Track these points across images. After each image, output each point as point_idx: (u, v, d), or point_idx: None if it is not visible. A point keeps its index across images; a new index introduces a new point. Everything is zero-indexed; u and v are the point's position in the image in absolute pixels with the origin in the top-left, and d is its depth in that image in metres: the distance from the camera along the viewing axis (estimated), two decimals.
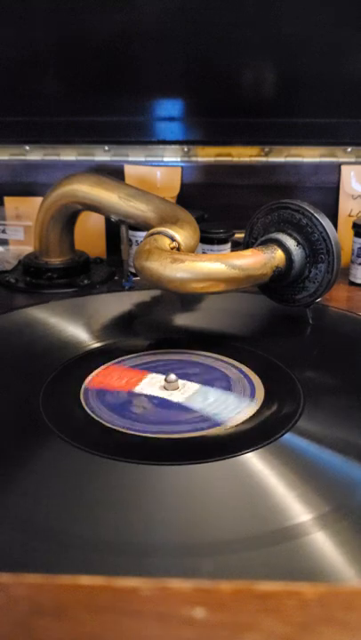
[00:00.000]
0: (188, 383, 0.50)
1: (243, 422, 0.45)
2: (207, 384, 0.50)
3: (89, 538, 0.34)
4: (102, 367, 0.53)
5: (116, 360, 0.54)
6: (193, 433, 0.44)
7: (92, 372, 0.52)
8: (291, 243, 0.59)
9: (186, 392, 0.49)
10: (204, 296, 0.66)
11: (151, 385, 0.50)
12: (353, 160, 0.88)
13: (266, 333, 0.62)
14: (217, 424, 0.45)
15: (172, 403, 0.48)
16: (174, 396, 0.49)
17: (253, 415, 0.46)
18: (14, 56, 0.86)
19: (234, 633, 0.21)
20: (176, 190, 0.88)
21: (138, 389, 0.50)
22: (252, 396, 0.49)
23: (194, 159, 0.89)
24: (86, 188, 0.72)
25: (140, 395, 0.49)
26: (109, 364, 0.54)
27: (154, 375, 0.51)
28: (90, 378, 0.51)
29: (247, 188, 0.88)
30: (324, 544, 0.34)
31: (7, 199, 0.87)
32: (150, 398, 0.48)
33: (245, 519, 0.36)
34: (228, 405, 0.48)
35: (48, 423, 0.45)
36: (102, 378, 0.51)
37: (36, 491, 0.38)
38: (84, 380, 0.51)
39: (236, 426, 0.45)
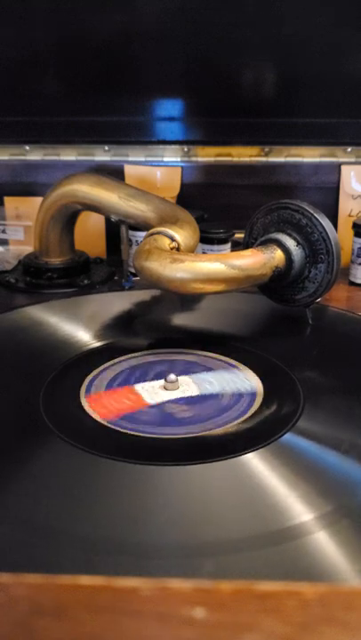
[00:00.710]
0: (185, 380, 0.50)
1: (243, 422, 0.45)
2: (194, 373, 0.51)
3: (89, 538, 0.34)
4: (89, 398, 0.49)
5: (90, 385, 0.51)
6: (193, 433, 0.44)
7: (91, 371, 0.52)
8: (290, 243, 0.59)
9: (187, 388, 0.49)
10: (204, 296, 0.66)
11: (152, 392, 0.50)
12: (353, 160, 0.88)
13: (266, 333, 0.62)
14: (251, 394, 0.48)
15: (195, 397, 0.48)
16: (187, 393, 0.49)
17: (253, 415, 0.46)
18: (14, 56, 0.86)
19: (234, 633, 0.21)
20: (176, 190, 0.88)
21: (151, 401, 0.49)
22: (252, 396, 0.49)
23: (194, 159, 0.89)
24: (86, 188, 0.72)
25: (162, 404, 0.48)
26: (90, 393, 0.50)
27: (143, 385, 0.51)
28: (98, 412, 0.47)
29: (247, 188, 0.88)
30: (324, 544, 0.34)
31: (7, 199, 0.87)
32: (176, 401, 0.48)
33: (245, 519, 0.36)
34: (233, 379, 0.49)
35: (48, 423, 0.45)
36: (106, 407, 0.48)
37: (36, 491, 0.38)
38: (84, 379, 0.51)
39: (236, 426, 0.45)
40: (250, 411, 0.47)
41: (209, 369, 0.53)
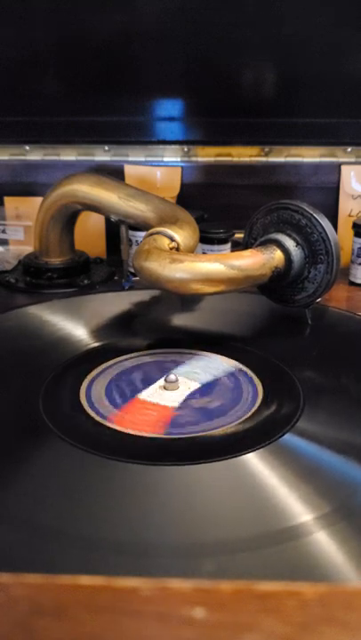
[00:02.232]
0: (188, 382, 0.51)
1: (243, 422, 0.45)
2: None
3: (89, 538, 0.34)
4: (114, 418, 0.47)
5: (90, 385, 0.50)
6: (193, 433, 0.44)
7: (91, 371, 0.52)
8: (290, 243, 0.59)
9: (186, 386, 0.50)
10: (204, 296, 0.66)
11: (159, 396, 0.50)
12: (353, 160, 0.88)
13: (265, 333, 0.62)
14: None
15: (200, 388, 0.50)
16: (191, 388, 0.50)
17: (253, 415, 0.46)
18: (14, 56, 0.86)
19: (234, 633, 0.21)
20: (176, 190, 0.88)
21: (173, 404, 0.48)
22: (253, 396, 0.49)
23: (194, 159, 0.89)
24: (86, 188, 0.72)
25: (185, 401, 0.48)
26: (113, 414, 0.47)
27: (146, 392, 0.50)
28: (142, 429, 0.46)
29: (247, 188, 0.88)
30: (324, 544, 0.34)
31: (7, 199, 0.87)
32: (193, 396, 0.49)
33: (245, 519, 0.36)
34: (209, 365, 0.52)
35: (48, 423, 0.45)
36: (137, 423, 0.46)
37: (35, 490, 0.38)
38: (83, 379, 0.51)
39: (236, 426, 0.45)
40: (249, 411, 0.47)
41: (180, 362, 0.54)
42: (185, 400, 0.48)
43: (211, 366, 0.53)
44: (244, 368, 0.53)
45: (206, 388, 0.50)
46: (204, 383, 0.51)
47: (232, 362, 0.53)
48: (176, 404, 0.48)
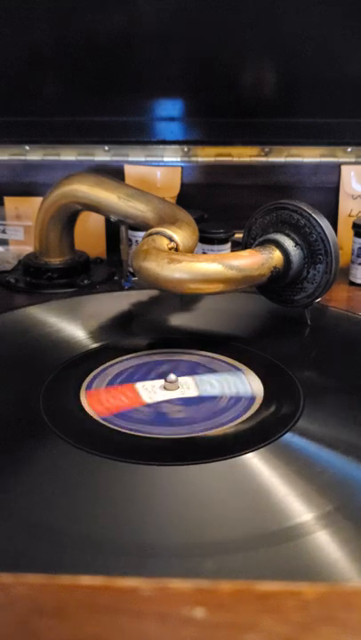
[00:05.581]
0: (185, 380, 0.51)
1: (242, 422, 0.45)
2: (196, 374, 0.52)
3: (89, 538, 0.34)
4: (88, 393, 0.49)
5: (90, 385, 0.51)
6: (193, 433, 0.44)
7: (91, 371, 0.52)
8: (289, 243, 0.59)
9: (187, 389, 0.49)
10: (203, 296, 0.66)
11: (151, 391, 0.50)
12: (353, 160, 0.88)
13: (265, 334, 0.62)
14: (250, 398, 0.48)
15: (194, 398, 0.48)
16: (186, 394, 0.49)
17: (253, 415, 0.46)
18: (14, 56, 0.86)
19: (234, 633, 0.21)
20: (176, 190, 0.88)
21: (148, 400, 0.49)
22: (252, 395, 0.49)
23: (194, 159, 0.89)
24: (86, 188, 0.72)
25: (157, 403, 0.48)
26: (90, 389, 0.50)
27: (143, 383, 0.51)
28: (94, 408, 0.47)
29: (247, 188, 0.88)
30: (324, 544, 0.34)
31: (7, 199, 0.87)
32: (172, 401, 0.48)
33: (245, 519, 0.36)
34: (235, 382, 0.50)
35: (48, 423, 0.45)
36: (103, 403, 0.48)
37: (35, 490, 0.38)
38: (83, 380, 0.51)
39: (236, 426, 0.45)
40: (249, 411, 0.47)
41: (213, 370, 0.53)
42: (162, 402, 0.48)
43: (235, 384, 0.51)
44: (244, 368, 0.53)
45: (197, 401, 0.49)
46: (202, 396, 0.50)
47: (258, 383, 0.51)
48: (149, 401, 0.48)
